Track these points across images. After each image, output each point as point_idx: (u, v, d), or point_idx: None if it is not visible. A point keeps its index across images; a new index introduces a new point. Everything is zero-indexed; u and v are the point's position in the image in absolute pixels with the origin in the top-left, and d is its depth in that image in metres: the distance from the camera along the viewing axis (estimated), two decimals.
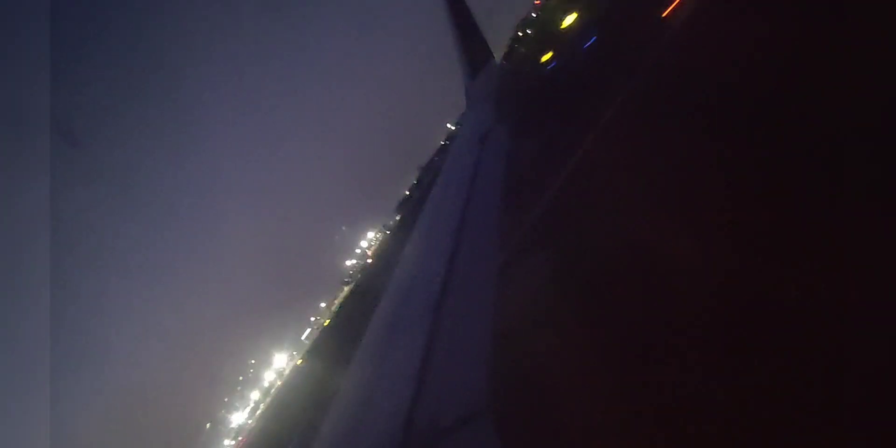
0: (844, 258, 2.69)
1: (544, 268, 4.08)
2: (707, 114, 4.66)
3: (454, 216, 5.36)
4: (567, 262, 4.23)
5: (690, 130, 4.58)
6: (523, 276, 4.08)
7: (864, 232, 2.76)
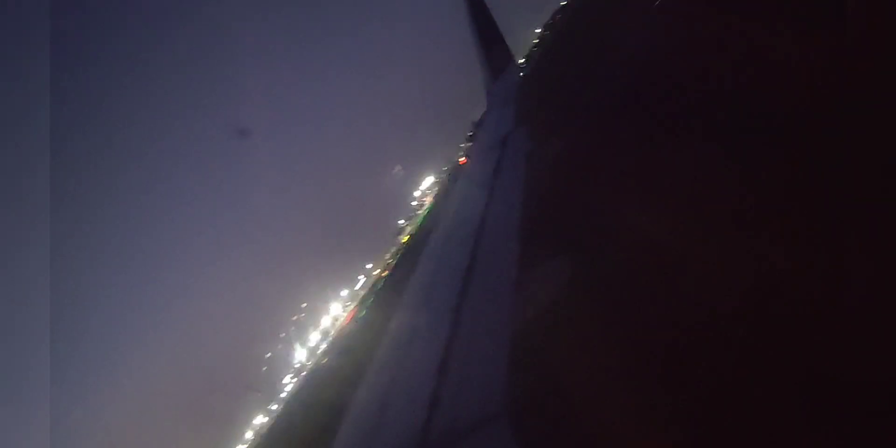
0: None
1: (564, 269, 4.24)
2: (732, 113, 4.57)
3: (474, 218, 5.54)
4: (588, 263, 4.38)
5: (716, 131, 4.55)
6: (543, 277, 4.27)
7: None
